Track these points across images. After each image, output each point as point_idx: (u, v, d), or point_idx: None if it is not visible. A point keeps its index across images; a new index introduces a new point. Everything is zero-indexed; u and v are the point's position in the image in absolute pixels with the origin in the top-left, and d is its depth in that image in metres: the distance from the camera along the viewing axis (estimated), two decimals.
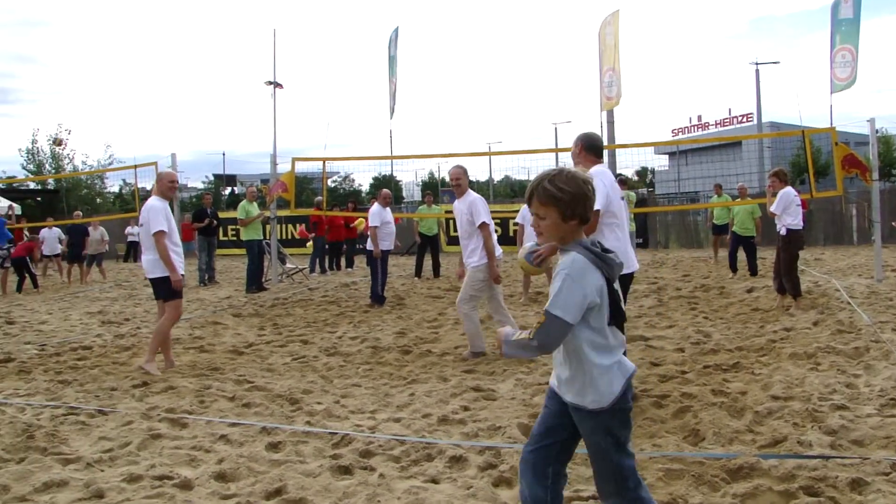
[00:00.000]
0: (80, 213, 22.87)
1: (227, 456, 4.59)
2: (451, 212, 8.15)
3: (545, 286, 12.73)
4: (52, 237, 19.94)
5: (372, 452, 4.61)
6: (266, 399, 6.03)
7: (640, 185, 58.22)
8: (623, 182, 15.49)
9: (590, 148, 5.79)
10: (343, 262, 20.41)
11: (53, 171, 42.32)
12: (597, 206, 5.10)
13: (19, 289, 17.13)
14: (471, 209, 7.76)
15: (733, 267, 14.65)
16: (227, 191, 64.74)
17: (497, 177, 62.64)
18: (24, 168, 43.40)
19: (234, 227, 19.73)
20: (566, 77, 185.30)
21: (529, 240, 11.83)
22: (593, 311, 2.70)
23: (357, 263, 20.45)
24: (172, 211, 7.84)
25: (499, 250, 7.92)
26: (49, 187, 41.77)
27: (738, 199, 15.42)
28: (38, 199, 38.37)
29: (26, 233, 22.33)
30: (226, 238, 27.66)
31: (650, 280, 14.68)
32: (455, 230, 29.26)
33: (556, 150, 31.83)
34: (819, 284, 12.34)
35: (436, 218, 17.77)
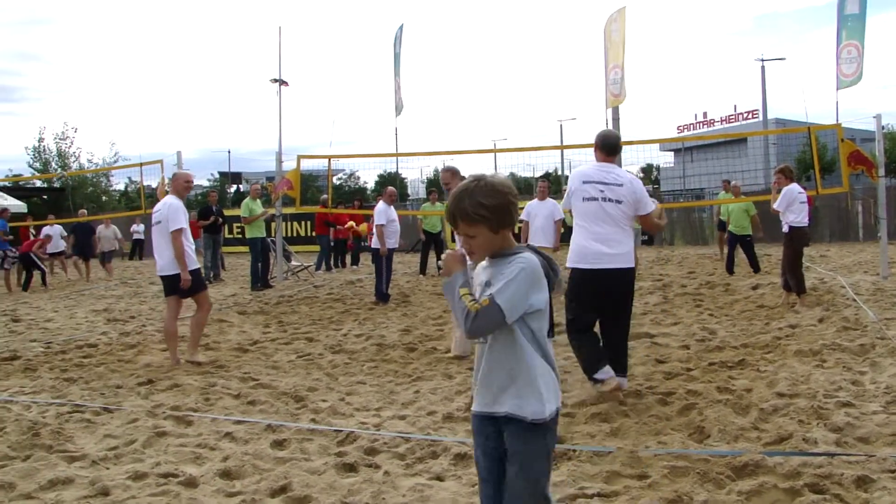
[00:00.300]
0: (86, 212, 22.92)
1: (233, 453, 4.60)
2: None
3: None
4: (54, 235, 20.01)
5: (377, 450, 4.62)
6: (271, 396, 6.04)
7: (646, 181, 58.16)
8: None
9: (601, 146, 5.87)
10: (348, 259, 20.44)
11: (60, 169, 42.42)
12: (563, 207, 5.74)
13: (26, 287, 17.16)
14: None
15: (730, 269, 14.45)
16: (233, 188, 64.83)
17: (502, 173, 62.62)
18: (30, 166, 43.55)
19: (238, 224, 19.77)
20: (571, 74, 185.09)
21: (535, 236, 11.77)
22: (535, 316, 2.62)
23: (362, 261, 20.46)
24: None
25: None
26: (55, 185, 41.88)
27: (733, 198, 15.25)
28: (44, 197, 38.44)
29: (32, 231, 22.38)
30: (230, 236, 27.71)
31: (655, 277, 14.66)
32: None
33: (562, 147, 31.91)
34: (824, 281, 12.31)
35: (440, 215, 17.77)
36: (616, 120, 28.92)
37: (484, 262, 2.70)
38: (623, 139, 6.28)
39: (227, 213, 19.85)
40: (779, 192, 10.06)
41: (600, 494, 3.81)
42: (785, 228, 9.91)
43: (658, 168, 64.41)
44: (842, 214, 25.19)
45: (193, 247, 7.83)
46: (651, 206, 5.75)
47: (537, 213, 12.03)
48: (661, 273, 15.59)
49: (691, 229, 27.36)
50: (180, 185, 7.94)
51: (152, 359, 7.91)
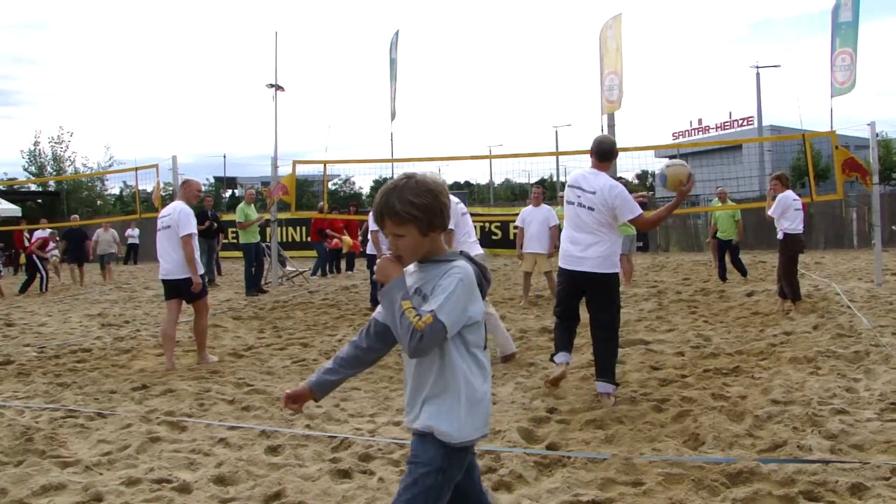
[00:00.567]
0: (78, 217, 22.89)
1: (227, 459, 4.59)
2: None
3: (545, 289, 12.73)
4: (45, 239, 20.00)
5: (371, 456, 4.61)
6: (265, 402, 6.03)
7: (641, 188, 58.24)
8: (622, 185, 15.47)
9: (594, 152, 6.05)
10: (343, 265, 20.41)
11: (55, 173, 42.35)
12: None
13: (23, 289, 17.12)
14: None
15: (723, 276, 14.45)
16: (228, 193, 64.80)
17: (498, 180, 62.74)
18: (25, 170, 43.48)
19: (233, 229, 19.71)
20: (567, 80, 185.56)
21: (530, 243, 11.77)
22: (473, 328, 2.49)
23: (357, 266, 20.44)
24: None
25: (478, 249, 7.65)
26: (50, 189, 41.80)
27: (720, 205, 15.21)
28: (39, 201, 38.39)
29: (26, 234, 22.34)
30: (225, 241, 27.69)
31: (650, 283, 14.67)
32: None
33: (557, 154, 31.90)
34: (819, 288, 12.34)
35: None
36: (612, 126, 28.98)
37: (411, 267, 2.57)
38: (618, 146, 6.27)
39: (222, 217, 19.84)
40: (773, 198, 10.09)
41: (595, 501, 3.80)
42: (780, 235, 9.93)
43: (653, 174, 64.53)
44: (836, 221, 25.24)
45: (197, 253, 7.93)
46: (634, 211, 5.78)
47: (532, 220, 12.06)
48: (656, 279, 15.61)
49: (686, 236, 27.39)
50: (192, 192, 8.12)
51: (146, 364, 7.89)
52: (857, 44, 26.22)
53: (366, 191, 66.01)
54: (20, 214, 28.33)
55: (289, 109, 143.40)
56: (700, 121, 62.06)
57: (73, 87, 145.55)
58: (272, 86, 20.69)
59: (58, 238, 19.91)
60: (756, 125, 47.14)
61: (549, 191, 31.86)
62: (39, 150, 43.44)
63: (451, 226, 7.49)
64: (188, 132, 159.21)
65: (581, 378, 6.58)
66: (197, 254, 7.85)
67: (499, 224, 26.10)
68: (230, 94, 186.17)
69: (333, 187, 61.96)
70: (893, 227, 15.08)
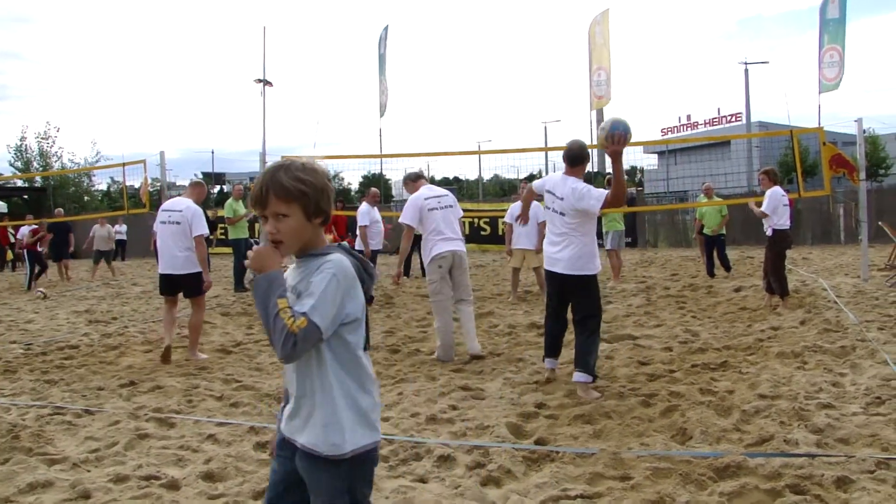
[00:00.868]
0: (62, 211, 22.78)
1: (215, 456, 4.58)
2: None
3: (534, 285, 12.75)
4: (27, 235, 19.93)
5: None
6: (254, 398, 6.02)
7: (630, 184, 58.37)
8: (611, 182, 15.49)
9: (564, 158, 6.25)
10: None
11: (41, 169, 42.11)
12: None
13: (29, 285, 17.15)
14: None
15: (711, 272, 14.47)
16: (216, 189, 64.59)
17: (487, 175, 62.73)
18: (11, 165, 43.22)
19: (221, 225, 19.72)
20: (556, 76, 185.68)
21: (519, 239, 11.77)
22: (352, 327, 2.30)
23: None
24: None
25: (441, 248, 7.49)
26: (36, 185, 41.57)
27: (706, 200, 15.22)
28: (25, 196, 38.17)
29: (11, 231, 22.24)
30: (213, 237, 27.61)
31: (639, 279, 14.72)
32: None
33: (546, 149, 31.90)
34: (806, 283, 12.40)
35: None
36: (600, 122, 28.98)
37: (293, 265, 2.39)
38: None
39: (209, 215, 19.79)
40: (762, 193, 10.13)
41: (583, 496, 3.82)
42: (768, 231, 9.97)
43: (642, 170, 64.69)
44: (823, 217, 25.38)
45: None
46: (599, 197, 5.87)
47: None
48: (645, 275, 15.66)
49: (675, 231, 27.50)
50: (203, 194, 8.45)
51: (134, 360, 7.86)
52: (845, 40, 26.39)
53: (355, 186, 65.96)
54: (6, 210, 28.18)
55: (277, 105, 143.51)
56: (689, 117, 62.22)
57: (60, 81, 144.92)
58: (260, 81, 20.69)
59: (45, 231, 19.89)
60: (744, 121, 47.29)
61: None
62: (26, 145, 43.22)
63: (408, 221, 7.55)
64: (176, 128, 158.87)
65: (570, 374, 6.60)
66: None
67: (487, 220, 26.13)
68: (218, 90, 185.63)
69: None
70: (880, 223, 15.14)
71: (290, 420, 2.34)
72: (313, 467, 2.27)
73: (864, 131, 14.87)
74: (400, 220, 7.75)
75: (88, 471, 4.38)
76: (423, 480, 4.13)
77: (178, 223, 7.75)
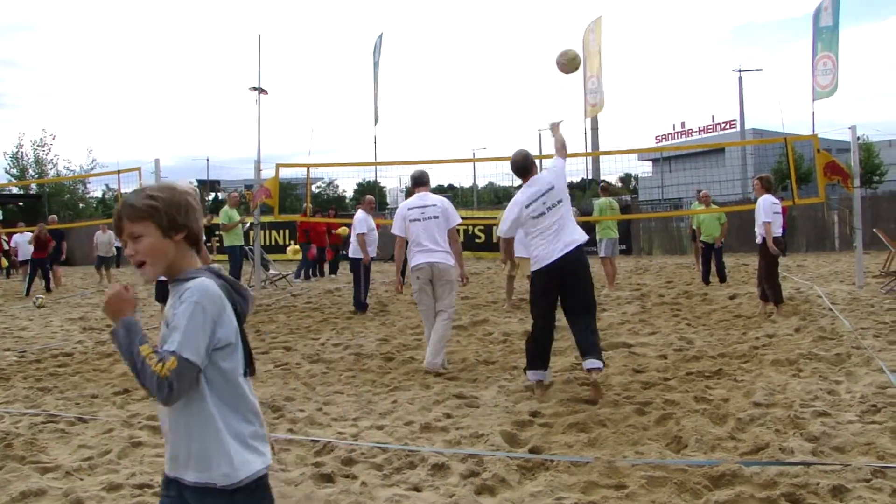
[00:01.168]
0: (56, 218, 22.75)
1: None
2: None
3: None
4: (24, 242, 19.91)
5: (354, 460, 4.59)
6: None
7: (624, 191, 58.44)
8: (605, 189, 15.51)
9: (514, 172, 6.58)
10: (326, 268, 20.36)
11: (37, 176, 42.01)
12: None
13: (48, 288, 17.29)
14: None
15: (706, 279, 14.47)
16: (211, 196, 64.52)
17: (481, 183, 62.71)
18: (7, 172, 43.11)
19: (217, 232, 19.67)
20: (551, 84, 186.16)
21: (516, 247, 11.82)
22: (225, 353, 2.17)
23: (340, 270, 20.39)
24: None
25: (418, 260, 7.34)
26: (31, 192, 41.46)
27: (703, 207, 15.21)
28: (20, 203, 38.06)
29: (4, 238, 22.20)
30: (208, 244, 27.57)
31: (633, 287, 14.72)
32: None
33: (541, 157, 31.97)
34: (801, 291, 12.42)
35: None
36: (595, 129, 29.09)
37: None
38: (602, 149, 6.42)
39: (204, 222, 19.79)
40: (755, 200, 10.16)
41: None
42: (759, 239, 10.00)
43: (636, 178, 64.75)
44: (818, 224, 25.43)
45: None
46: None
47: None
48: (639, 282, 15.67)
49: (669, 239, 27.52)
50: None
51: (128, 368, 7.82)
52: (839, 48, 26.47)
53: (349, 194, 65.88)
54: (1, 217, 28.09)
55: (272, 112, 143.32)
56: (683, 124, 62.43)
57: (56, 89, 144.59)
58: (255, 89, 20.68)
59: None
60: (739, 128, 47.51)
61: None
62: (22, 153, 43.13)
63: (395, 231, 7.50)
64: (171, 135, 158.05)
65: (564, 381, 6.59)
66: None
67: (482, 227, 26.12)
68: (213, 97, 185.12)
69: (317, 190, 61.83)
70: (875, 230, 15.18)
71: (174, 459, 2.21)
72: (206, 498, 2.17)
73: (858, 138, 14.91)
74: (391, 230, 7.76)
75: (81, 479, 4.36)
76: (417, 489, 4.12)
77: None
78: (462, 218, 7.89)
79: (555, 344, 6.76)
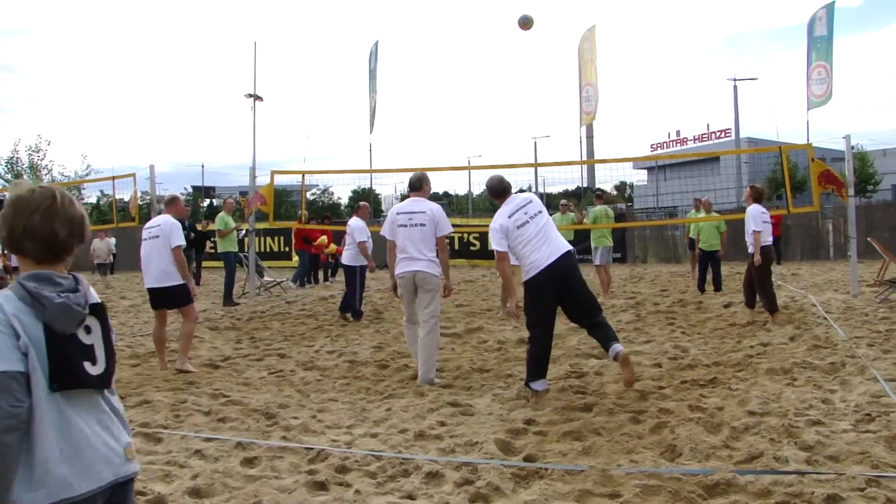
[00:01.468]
0: None
1: (202, 471, 4.54)
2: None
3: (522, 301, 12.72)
4: None
5: (348, 468, 4.57)
6: (242, 413, 5.98)
7: (619, 199, 58.55)
8: (600, 197, 15.53)
9: (491, 196, 6.80)
10: (321, 275, 20.33)
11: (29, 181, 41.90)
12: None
13: None
14: None
15: (702, 287, 14.47)
16: (206, 203, 64.46)
17: (476, 190, 62.69)
18: (1, 178, 42.97)
19: (213, 238, 19.69)
20: (546, 92, 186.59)
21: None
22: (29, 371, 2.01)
23: (337, 276, 20.37)
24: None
25: (401, 268, 7.27)
26: None
27: (703, 215, 15.23)
28: None
29: None
30: (211, 250, 27.57)
31: (628, 295, 14.73)
32: None
33: (536, 165, 32.01)
34: (795, 299, 12.43)
35: None
36: (590, 137, 29.15)
37: None
38: (597, 157, 6.54)
39: (199, 228, 19.78)
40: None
41: None
42: (750, 248, 10.04)
43: (631, 186, 64.86)
44: (812, 233, 25.47)
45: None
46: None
47: None
48: (634, 291, 15.67)
49: (664, 247, 27.53)
50: (182, 209, 8.86)
51: (121, 374, 7.80)
52: (833, 58, 26.59)
53: (344, 201, 65.89)
54: None
55: (267, 119, 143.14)
56: (678, 132, 62.59)
57: (52, 95, 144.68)
58: (251, 96, 20.66)
59: None
60: (734, 137, 47.60)
61: None
62: (17, 158, 43.04)
63: (384, 234, 7.46)
64: (166, 141, 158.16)
65: (559, 390, 6.59)
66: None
67: (477, 235, 26.12)
68: (209, 104, 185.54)
69: (312, 197, 61.85)
70: (869, 239, 15.21)
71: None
72: None
73: (853, 148, 14.97)
74: (381, 232, 7.73)
75: None
76: (411, 497, 4.11)
77: (157, 237, 8.06)
78: (456, 226, 7.88)
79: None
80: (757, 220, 9.89)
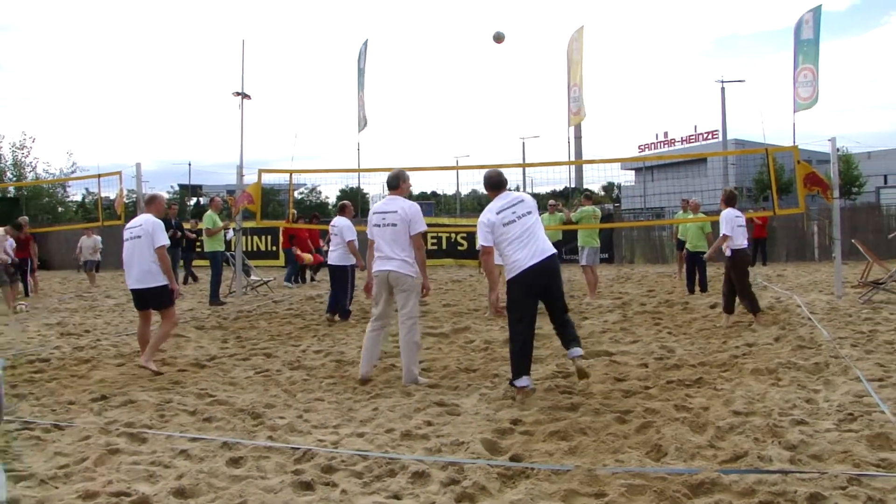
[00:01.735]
0: (27, 219, 22.67)
1: (187, 471, 4.52)
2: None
3: None
4: None
5: (334, 468, 4.57)
6: (228, 413, 5.96)
7: (607, 200, 58.67)
8: (588, 197, 15.56)
9: (487, 187, 6.91)
10: (308, 275, 20.29)
11: (15, 179, 41.64)
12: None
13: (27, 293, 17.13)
14: None
15: (691, 288, 14.53)
16: (193, 201, 64.19)
17: (464, 190, 62.78)
18: None
19: (200, 237, 19.64)
20: (535, 92, 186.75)
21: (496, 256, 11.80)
22: None
23: (321, 276, 20.33)
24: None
25: (375, 267, 7.29)
26: (9, 195, 41.07)
27: (691, 216, 15.28)
28: None
29: None
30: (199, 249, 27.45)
31: (615, 295, 14.77)
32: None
33: (524, 165, 32.11)
34: (781, 300, 12.49)
35: None
36: (578, 138, 29.19)
37: None
38: (585, 157, 6.61)
39: (186, 226, 19.71)
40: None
41: None
42: (727, 252, 10.14)
43: (619, 186, 65.01)
44: (798, 234, 25.62)
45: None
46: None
47: None
48: (621, 291, 15.72)
49: (651, 248, 27.63)
50: (162, 207, 8.56)
51: (107, 374, 7.76)
52: (819, 61, 26.74)
53: (332, 200, 65.70)
54: None
55: (255, 118, 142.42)
56: (666, 134, 62.86)
57: (37, 91, 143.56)
58: (239, 94, 20.62)
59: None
60: (721, 139, 47.80)
61: None
62: (0, 155, 42.76)
63: (367, 232, 7.44)
64: (153, 139, 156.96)
65: (545, 390, 6.60)
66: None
67: (465, 235, 26.14)
68: (196, 102, 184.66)
69: (300, 196, 61.66)
70: (853, 241, 15.31)
71: None
72: None
73: (838, 150, 15.05)
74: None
75: (56, 487, 4.31)
76: (397, 497, 4.11)
77: (139, 237, 7.95)
78: (444, 225, 7.85)
79: (535, 352, 6.81)
80: (730, 223, 10.02)
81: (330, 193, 67.43)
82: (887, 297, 11.95)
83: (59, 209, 44.69)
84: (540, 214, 7.01)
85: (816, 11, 26.85)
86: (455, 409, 6.02)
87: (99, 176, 16.87)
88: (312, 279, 20.18)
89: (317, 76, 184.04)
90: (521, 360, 6.34)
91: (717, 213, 10.96)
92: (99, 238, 21.21)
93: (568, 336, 6.48)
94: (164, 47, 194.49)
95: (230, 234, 17.38)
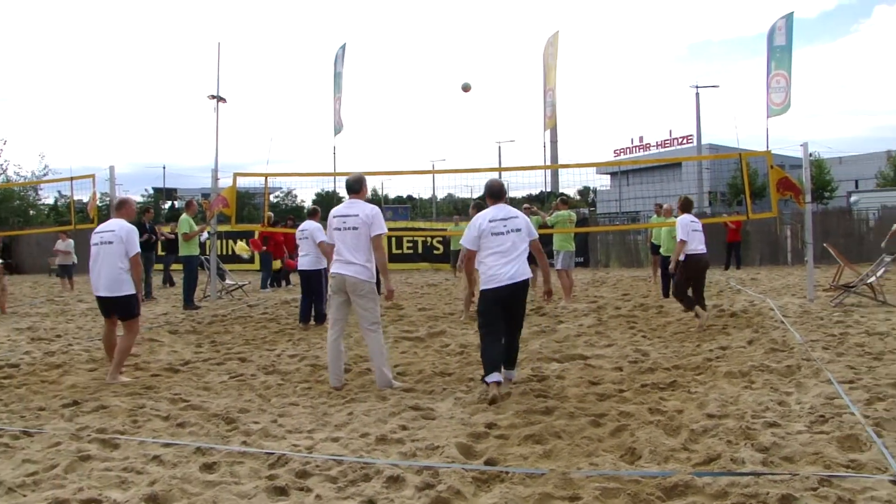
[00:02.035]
0: None
1: (160, 477, 4.48)
2: (394, 229, 7.96)
3: None
4: None
5: (309, 473, 4.54)
6: (201, 418, 5.91)
7: (582, 204, 58.96)
8: (564, 202, 15.62)
9: (487, 195, 7.13)
10: (287, 279, 20.22)
11: None
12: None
13: None
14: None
15: (665, 292, 14.51)
16: (167, 205, 63.74)
17: (440, 194, 62.87)
18: None
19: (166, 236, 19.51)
20: (511, 97, 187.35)
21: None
22: None
23: (294, 281, 20.24)
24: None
25: (333, 269, 7.21)
26: None
27: (664, 220, 15.36)
28: None
29: None
30: (163, 253, 27.22)
31: (590, 299, 14.82)
32: (396, 248, 28.90)
33: (500, 169, 32.16)
34: (754, 304, 12.60)
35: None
36: (554, 142, 29.32)
37: None
38: (560, 162, 6.71)
39: (165, 230, 19.59)
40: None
41: None
42: (682, 257, 10.31)
43: (595, 191, 65.40)
44: (771, 239, 25.88)
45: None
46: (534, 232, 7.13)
47: None
48: (596, 295, 15.78)
49: (626, 252, 27.79)
50: (133, 210, 8.44)
51: (78, 379, 7.67)
52: (792, 67, 27.06)
53: (307, 204, 65.50)
54: None
55: (230, 121, 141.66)
56: (641, 138, 63.24)
57: (7, 93, 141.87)
58: (214, 97, 20.51)
59: None
60: (695, 143, 48.20)
61: None
62: None
63: (327, 237, 7.41)
64: (127, 142, 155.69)
65: (520, 393, 6.61)
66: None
67: (440, 239, 26.15)
68: (171, 104, 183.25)
69: (275, 200, 61.43)
70: (825, 245, 15.48)
71: None
72: None
73: (810, 155, 15.21)
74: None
75: (25, 495, 4.25)
76: (371, 501, 4.09)
77: (110, 243, 7.66)
78: (420, 229, 7.85)
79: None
80: (685, 228, 10.22)
81: (305, 197, 67.40)
82: (858, 301, 12.10)
83: (31, 212, 44.15)
84: None
85: (789, 18, 27.19)
86: (430, 413, 6.01)
87: (72, 179, 16.68)
88: (288, 283, 20.09)
89: (293, 80, 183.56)
90: (490, 359, 6.55)
91: (697, 216, 11.11)
92: (72, 241, 21.03)
93: (510, 357, 6.98)
94: (139, 49, 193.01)
95: (204, 236, 17.25)
